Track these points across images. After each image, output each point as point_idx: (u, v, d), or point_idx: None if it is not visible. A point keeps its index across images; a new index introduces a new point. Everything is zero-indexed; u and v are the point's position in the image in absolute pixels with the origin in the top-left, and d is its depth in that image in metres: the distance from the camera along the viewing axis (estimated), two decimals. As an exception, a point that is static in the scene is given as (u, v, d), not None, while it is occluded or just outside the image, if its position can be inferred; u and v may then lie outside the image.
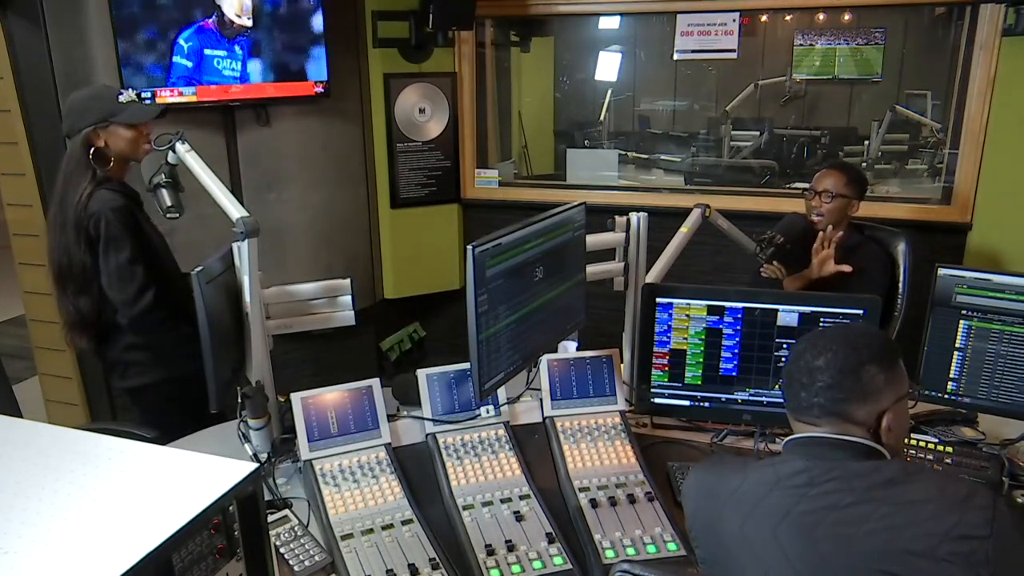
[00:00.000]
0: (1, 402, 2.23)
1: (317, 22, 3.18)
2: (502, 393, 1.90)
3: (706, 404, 1.97)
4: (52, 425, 1.18)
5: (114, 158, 2.14)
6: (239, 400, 1.81)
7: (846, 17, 5.18)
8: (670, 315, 1.94)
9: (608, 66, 5.79)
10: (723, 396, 1.95)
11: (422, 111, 3.71)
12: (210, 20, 2.95)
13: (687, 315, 1.93)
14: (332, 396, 1.81)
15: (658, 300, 1.94)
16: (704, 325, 1.93)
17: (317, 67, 3.23)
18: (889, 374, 1.21)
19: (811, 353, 1.24)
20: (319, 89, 3.26)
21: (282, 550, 1.53)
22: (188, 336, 1.80)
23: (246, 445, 1.82)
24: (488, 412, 1.90)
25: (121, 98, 2.14)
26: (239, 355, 1.88)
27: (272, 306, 1.95)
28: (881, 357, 1.21)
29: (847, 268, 2.45)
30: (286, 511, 1.64)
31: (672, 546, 1.57)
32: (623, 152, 5.15)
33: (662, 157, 5.32)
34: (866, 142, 4.96)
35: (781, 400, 1.91)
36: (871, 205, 2.64)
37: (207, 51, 2.98)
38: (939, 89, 4.80)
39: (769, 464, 1.23)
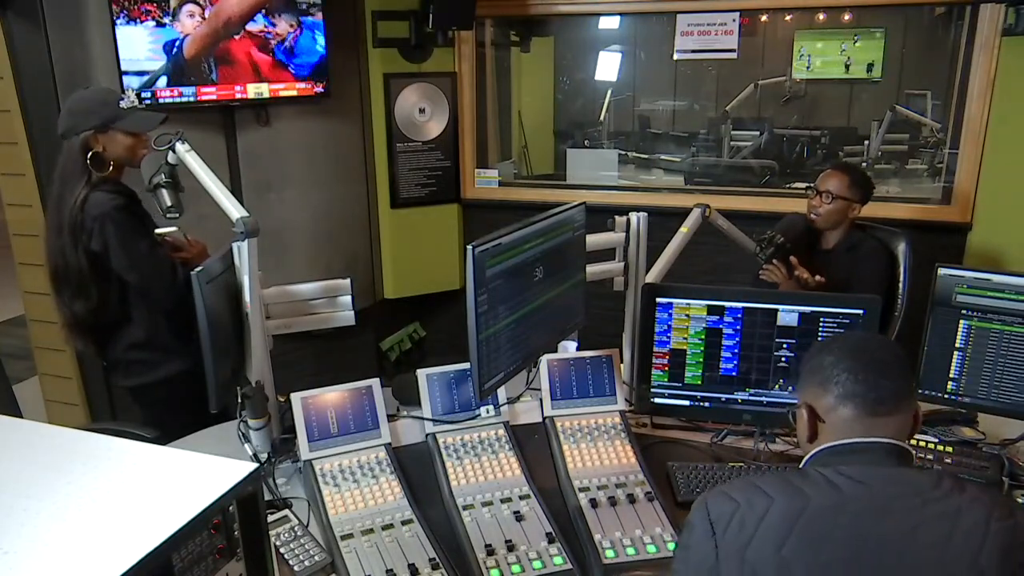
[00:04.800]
0: (1, 402, 2.23)
1: (317, 22, 3.18)
2: (502, 393, 1.90)
3: (706, 404, 1.97)
4: (52, 425, 1.18)
5: (111, 163, 2.14)
6: (239, 400, 1.81)
7: (846, 17, 5.19)
8: (670, 315, 1.94)
9: (608, 66, 5.79)
10: (723, 396, 1.96)
11: (422, 111, 3.71)
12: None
13: (687, 315, 1.93)
14: (332, 396, 1.81)
15: (658, 300, 1.94)
16: (704, 325, 1.93)
17: (317, 67, 3.23)
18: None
19: (865, 352, 1.20)
20: (319, 89, 3.26)
21: (282, 550, 1.53)
22: (188, 331, 1.80)
23: (246, 445, 1.82)
24: (488, 412, 1.90)
25: (123, 104, 2.14)
26: (239, 355, 1.89)
27: (272, 306, 1.95)
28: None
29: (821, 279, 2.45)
30: (286, 511, 1.64)
31: (672, 546, 1.56)
32: (623, 152, 5.15)
33: (662, 157, 5.32)
34: (866, 142, 4.96)
35: (781, 400, 1.92)
36: (871, 205, 2.64)
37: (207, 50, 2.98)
38: (939, 89, 4.80)
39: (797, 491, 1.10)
